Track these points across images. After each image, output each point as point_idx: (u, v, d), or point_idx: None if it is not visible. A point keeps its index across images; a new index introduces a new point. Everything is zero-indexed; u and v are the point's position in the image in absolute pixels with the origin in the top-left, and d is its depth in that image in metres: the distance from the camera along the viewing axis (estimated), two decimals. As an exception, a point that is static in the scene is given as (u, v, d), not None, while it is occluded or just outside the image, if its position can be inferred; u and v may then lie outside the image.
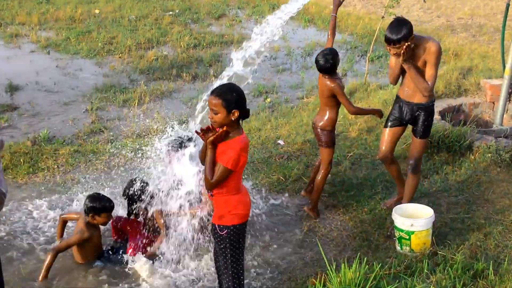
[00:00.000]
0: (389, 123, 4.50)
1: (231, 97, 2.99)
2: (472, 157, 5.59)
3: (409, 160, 4.48)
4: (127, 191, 4.21)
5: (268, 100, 7.80)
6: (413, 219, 4.06)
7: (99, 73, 8.91)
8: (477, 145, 5.70)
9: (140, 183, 4.17)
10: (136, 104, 7.44)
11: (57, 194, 5.06)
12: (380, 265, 3.23)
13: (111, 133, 6.47)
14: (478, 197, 4.94)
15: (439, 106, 6.95)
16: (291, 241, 4.39)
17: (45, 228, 4.53)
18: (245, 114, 3.07)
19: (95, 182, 5.21)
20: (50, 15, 12.53)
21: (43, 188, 5.21)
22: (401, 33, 4.00)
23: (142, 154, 4.80)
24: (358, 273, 3.14)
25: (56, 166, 5.59)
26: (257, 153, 5.83)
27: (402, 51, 4.02)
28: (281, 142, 6.12)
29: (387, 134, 4.51)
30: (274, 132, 6.44)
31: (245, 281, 3.53)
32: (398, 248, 4.12)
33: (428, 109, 4.34)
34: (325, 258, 3.45)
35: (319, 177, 4.60)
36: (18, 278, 3.93)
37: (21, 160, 5.63)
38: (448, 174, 5.35)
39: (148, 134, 6.35)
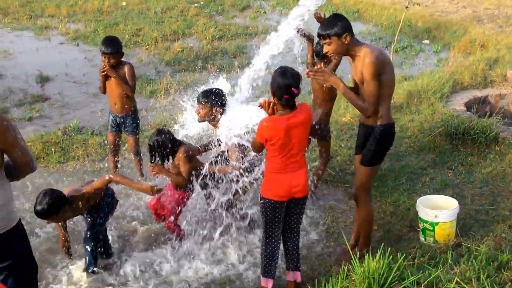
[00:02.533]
0: (356, 150, 3.86)
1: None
2: (498, 149, 5.53)
3: (353, 189, 3.96)
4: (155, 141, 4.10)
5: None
6: (438, 210, 4.06)
7: (126, 65, 9.08)
8: (502, 136, 5.64)
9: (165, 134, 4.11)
10: (163, 95, 7.57)
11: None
12: (404, 256, 3.24)
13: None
14: (503, 189, 4.90)
15: (464, 97, 6.88)
16: (314, 231, 4.43)
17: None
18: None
19: (122, 171, 5.34)
20: (79, 8, 12.80)
21: (73, 176, 5.37)
22: (331, 28, 3.41)
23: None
24: (381, 263, 3.10)
25: (85, 156, 5.76)
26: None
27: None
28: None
29: (355, 161, 3.92)
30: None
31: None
32: (422, 239, 4.13)
33: (376, 133, 3.59)
34: (348, 248, 3.49)
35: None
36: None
37: (52, 149, 5.82)
38: (473, 166, 5.32)
39: (174, 125, 6.46)
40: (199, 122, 4.16)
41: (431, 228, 4.03)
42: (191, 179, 4.06)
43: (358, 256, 3.20)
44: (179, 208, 4.20)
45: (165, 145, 4.00)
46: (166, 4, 13.20)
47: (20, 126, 6.36)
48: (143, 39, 10.35)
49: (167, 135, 4.04)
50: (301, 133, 3.33)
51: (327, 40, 3.43)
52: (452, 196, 4.38)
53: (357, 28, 11.64)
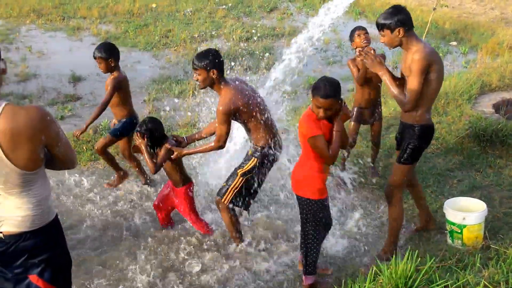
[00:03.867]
0: (396, 146, 3.98)
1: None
2: (527, 152, 5.46)
3: (385, 187, 3.96)
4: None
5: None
6: (465, 213, 4.02)
7: (155, 65, 9.27)
8: (532, 139, 5.55)
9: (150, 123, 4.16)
10: (191, 95, 7.69)
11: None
12: (433, 259, 3.22)
13: (167, 123, 6.73)
14: (533, 192, 4.84)
15: (492, 99, 6.79)
16: (342, 232, 4.44)
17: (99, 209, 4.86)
18: None
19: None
20: (110, 9, 13.08)
21: (104, 175, 5.52)
22: (386, 20, 3.43)
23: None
24: (409, 265, 3.06)
25: (115, 154, 5.86)
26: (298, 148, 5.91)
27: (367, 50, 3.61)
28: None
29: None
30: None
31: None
32: (450, 241, 4.10)
33: (414, 132, 3.64)
34: (374, 250, 3.50)
35: None
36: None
37: (84, 147, 5.98)
38: (502, 168, 5.25)
39: (201, 125, 6.57)
40: (201, 89, 3.99)
41: (459, 231, 4.00)
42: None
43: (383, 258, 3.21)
44: (191, 201, 4.29)
45: (154, 135, 4.08)
46: (195, 6, 13.39)
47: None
48: (172, 40, 10.52)
49: (159, 126, 4.14)
50: None
51: (381, 32, 3.52)
52: (480, 199, 4.34)
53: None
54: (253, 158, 3.92)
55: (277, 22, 12.10)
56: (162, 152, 4.07)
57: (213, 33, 11.04)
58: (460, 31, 10.88)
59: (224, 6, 13.46)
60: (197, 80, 3.81)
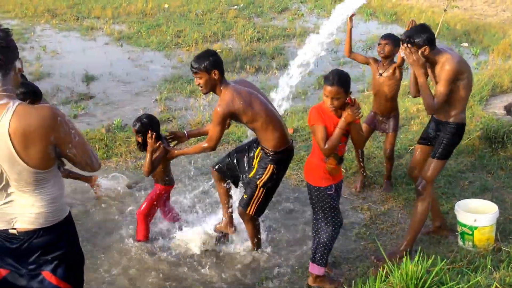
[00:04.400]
0: (420, 140, 4.13)
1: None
2: (539, 153, 5.43)
3: (418, 182, 3.98)
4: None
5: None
6: (477, 215, 4.00)
7: (167, 65, 9.35)
8: (544, 141, 5.52)
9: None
10: (202, 95, 7.75)
11: (129, 179, 5.29)
12: (444, 261, 3.22)
13: (179, 122, 6.80)
14: (545, 194, 4.82)
15: (504, 101, 6.76)
16: (352, 232, 4.43)
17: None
18: None
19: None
20: (123, 9, 13.21)
21: (116, 172, 5.56)
22: (418, 37, 3.61)
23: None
24: (420, 266, 3.05)
25: (128, 152, 5.93)
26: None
27: (409, 50, 3.62)
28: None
29: (415, 150, 4.19)
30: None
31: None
32: (461, 243, 4.08)
33: (450, 129, 3.82)
34: (382, 251, 3.51)
35: None
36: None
37: (97, 145, 6.01)
38: (514, 170, 5.24)
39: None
40: (204, 93, 3.79)
41: (470, 232, 3.98)
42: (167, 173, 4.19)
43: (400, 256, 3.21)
44: (155, 200, 4.21)
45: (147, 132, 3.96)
46: (207, 6, 13.47)
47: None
48: (184, 40, 10.60)
49: (156, 124, 4.06)
50: None
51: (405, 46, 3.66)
52: (491, 200, 4.32)
53: (395, 30, 11.54)
54: (269, 165, 3.75)
55: (288, 23, 12.13)
56: (157, 152, 3.95)
57: (225, 33, 11.10)
58: (471, 33, 10.83)
59: (235, 7, 13.52)
60: (199, 84, 3.64)
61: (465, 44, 10.45)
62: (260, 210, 3.89)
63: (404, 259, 3.15)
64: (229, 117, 3.62)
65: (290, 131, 5.66)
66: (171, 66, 9.28)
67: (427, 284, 2.96)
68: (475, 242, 3.98)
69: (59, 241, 2.35)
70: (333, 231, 3.59)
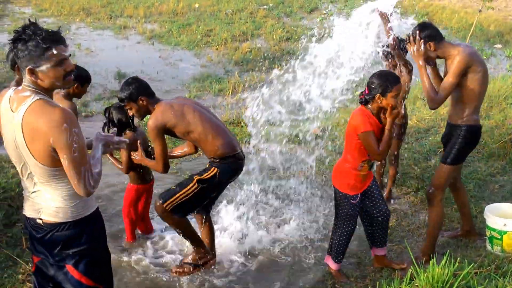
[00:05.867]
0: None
1: None
2: None
3: (428, 188, 3.87)
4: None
5: (357, 93, 7.86)
6: (506, 219, 3.93)
7: (197, 64, 9.50)
8: None
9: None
10: (230, 93, 7.84)
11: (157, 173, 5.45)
12: (472, 265, 3.19)
13: (208, 120, 6.90)
14: None
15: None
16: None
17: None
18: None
19: (191, 163, 5.63)
20: (155, 9, 13.45)
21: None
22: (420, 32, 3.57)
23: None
24: (447, 270, 3.02)
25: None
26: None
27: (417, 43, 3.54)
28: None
29: None
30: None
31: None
32: (489, 247, 4.02)
33: (461, 132, 3.63)
34: (410, 252, 3.51)
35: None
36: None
37: (128, 141, 6.20)
38: (546, 175, 5.14)
39: (240, 123, 6.69)
40: (141, 120, 3.72)
41: (499, 237, 3.92)
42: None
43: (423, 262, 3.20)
44: (131, 200, 4.08)
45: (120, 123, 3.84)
46: (237, 6, 13.58)
47: (98, 119, 6.80)
48: (214, 40, 10.73)
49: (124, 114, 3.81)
50: None
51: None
52: (521, 205, 4.28)
53: (427, 31, 11.41)
54: (213, 168, 3.59)
55: (317, 23, 12.13)
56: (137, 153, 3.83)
57: (254, 32, 11.18)
58: (505, 34, 10.61)
59: (265, 6, 13.58)
60: (132, 115, 3.62)
61: (499, 46, 10.24)
62: (180, 207, 3.59)
63: (431, 262, 3.13)
64: (163, 130, 3.46)
65: (315, 131, 5.67)
66: (200, 65, 9.41)
67: (454, 287, 2.93)
68: (504, 247, 3.91)
69: (81, 236, 2.38)
70: (343, 235, 3.68)
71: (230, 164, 3.62)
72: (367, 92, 3.42)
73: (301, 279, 3.82)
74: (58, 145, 2.16)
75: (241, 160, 3.70)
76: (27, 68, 2.20)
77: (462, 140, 3.63)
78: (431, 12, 12.59)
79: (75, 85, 3.67)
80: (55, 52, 2.23)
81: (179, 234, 3.77)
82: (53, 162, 2.23)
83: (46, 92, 2.27)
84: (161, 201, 3.56)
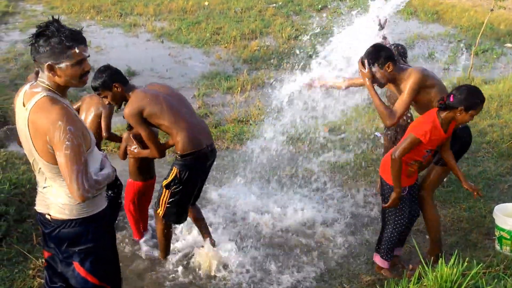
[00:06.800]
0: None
1: None
2: None
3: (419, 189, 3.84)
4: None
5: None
6: (516, 219, 3.95)
7: (206, 62, 9.52)
8: None
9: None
10: (239, 91, 7.86)
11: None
12: (480, 265, 3.18)
13: (216, 118, 6.92)
14: None
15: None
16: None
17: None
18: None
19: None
20: (164, 7, 13.49)
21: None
22: (375, 57, 3.50)
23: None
24: (455, 269, 3.01)
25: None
26: (354, 145, 5.93)
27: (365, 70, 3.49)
28: (378, 134, 6.17)
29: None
30: (372, 123, 6.50)
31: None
32: (498, 247, 4.03)
33: (456, 133, 3.65)
34: (418, 252, 3.50)
35: None
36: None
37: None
38: (556, 175, 5.11)
39: (248, 121, 6.71)
40: (119, 108, 3.64)
41: (508, 237, 3.93)
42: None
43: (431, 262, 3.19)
44: (132, 196, 4.06)
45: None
46: (246, 4, 13.58)
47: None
48: (223, 38, 10.75)
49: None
50: None
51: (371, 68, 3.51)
52: (531, 205, 4.25)
53: (436, 29, 11.35)
54: (173, 168, 3.55)
55: (326, 21, 12.09)
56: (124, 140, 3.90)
57: (263, 30, 11.18)
58: (516, 33, 10.53)
59: (274, 5, 13.57)
60: (108, 103, 3.59)
61: (509, 45, 10.17)
62: (170, 214, 3.66)
63: (439, 261, 3.12)
64: (141, 116, 3.41)
65: (325, 130, 5.68)
66: (209, 63, 9.44)
67: (462, 287, 2.92)
68: (513, 247, 3.93)
69: (87, 234, 2.41)
70: (394, 230, 3.67)
71: (191, 162, 3.52)
72: (451, 100, 3.34)
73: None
74: (53, 142, 2.18)
75: (205, 158, 3.60)
76: (47, 63, 2.22)
77: (457, 141, 3.67)
78: (440, 10, 12.51)
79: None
80: (77, 51, 2.25)
81: (158, 237, 3.89)
82: (54, 159, 2.25)
83: (59, 89, 2.30)
84: (155, 207, 3.72)
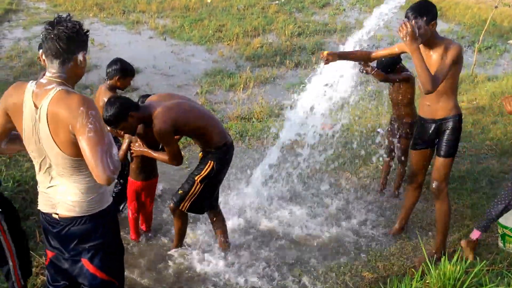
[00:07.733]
0: (416, 146, 3.95)
1: None
2: None
3: (432, 184, 3.85)
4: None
5: (369, 88, 7.84)
6: (519, 217, 3.95)
7: (209, 59, 9.52)
8: None
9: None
10: (241, 88, 7.86)
11: (172, 171, 5.38)
12: (483, 262, 3.18)
13: (219, 115, 6.92)
14: None
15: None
16: (387, 231, 4.39)
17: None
18: None
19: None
20: (167, 4, 13.51)
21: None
22: (424, 10, 3.37)
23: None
24: (458, 267, 3.01)
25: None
26: (356, 142, 5.93)
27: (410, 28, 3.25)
28: (380, 130, 6.17)
29: (414, 156, 4.01)
30: (375, 120, 6.50)
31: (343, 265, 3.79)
32: (501, 245, 4.02)
33: (454, 123, 3.69)
34: (423, 249, 3.50)
35: None
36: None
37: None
38: (559, 172, 5.09)
39: (251, 118, 6.72)
40: (134, 135, 3.62)
41: (511, 234, 3.95)
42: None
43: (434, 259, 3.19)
44: (132, 195, 4.04)
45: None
46: (248, 1, 13.58)
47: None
48: (225, 35, 10.74)
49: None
50: None
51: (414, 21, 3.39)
52: (533, 202, 4.24)
53: (439, 26, 11.28)
54: (209, 161, 3.63)
55: (329, 18, 12.08)
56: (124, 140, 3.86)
57: (265, 28, 11.17)
58: (520, 30, 10.50)
59: (276, 2, 13.56)
60: (125, 133, 3.54)
61: (513, 42, 10.14)
62: (194, 207, 3.74)
63: (443, 259, 3.11)
64: (173, 130, 3.36)
65: (328, 127, 5.67)
66: (212, 60, 9.44)
67: (465, 284, 2.93)
68: (516, 244, 3.93)
69: (96, 231, 2.41)
70: (503, 209, 3.76)
71: (225, 152, 3.68)
72: None
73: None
74: (75, 129, 2.16)
75: (232, 147, 3.78)
76: (83, 52, 2.26)
77: (457, 129, 3.70)
78: (444, 7, 12.48)
79: (117, 77, 3.92)
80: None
81: (176, 229, 3.94)
82: (77, 150, 2.22)
83: (72, 82, 2.30)
84: (174, 204, 3.73)
